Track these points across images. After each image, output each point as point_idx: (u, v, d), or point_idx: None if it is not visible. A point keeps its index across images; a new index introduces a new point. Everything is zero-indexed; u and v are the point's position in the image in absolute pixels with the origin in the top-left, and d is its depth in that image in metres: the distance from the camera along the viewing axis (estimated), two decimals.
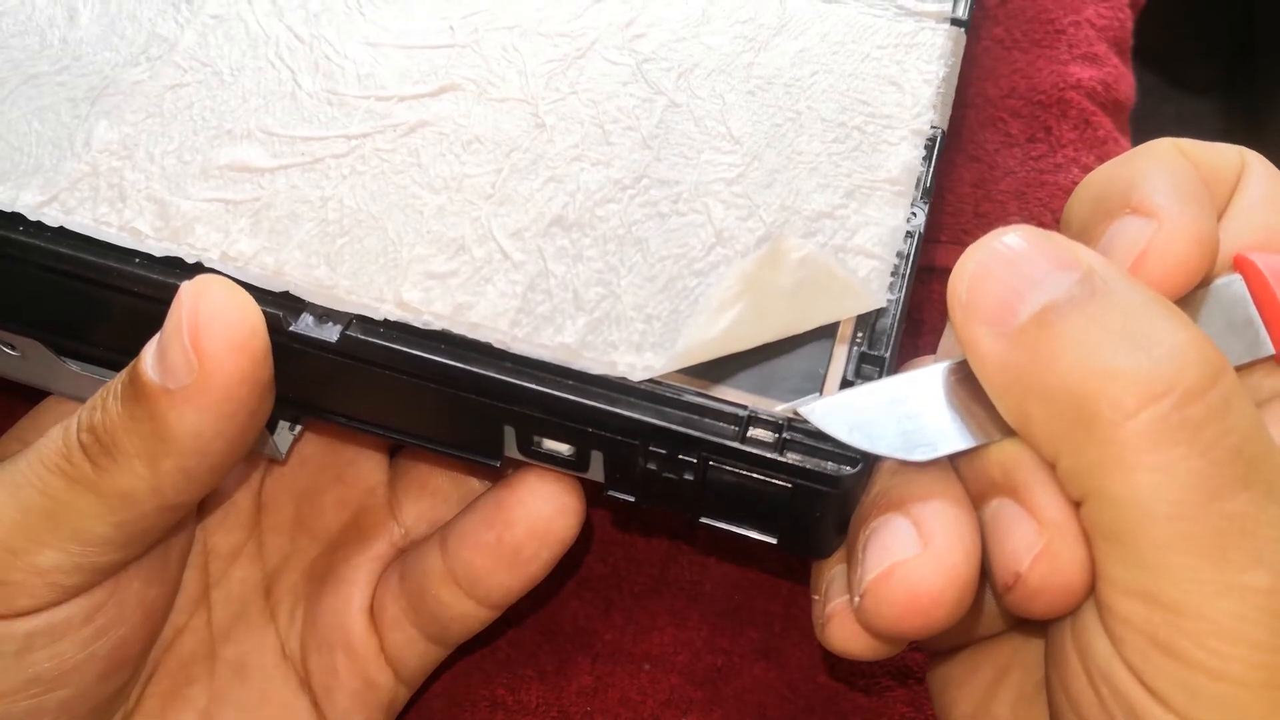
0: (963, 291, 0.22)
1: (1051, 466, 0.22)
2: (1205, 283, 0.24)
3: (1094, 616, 0.22)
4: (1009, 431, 0.22)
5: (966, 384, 0.23)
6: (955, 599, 0.22)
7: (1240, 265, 0.24)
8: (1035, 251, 0.22)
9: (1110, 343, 0.20)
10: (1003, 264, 0.22)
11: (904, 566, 0.22)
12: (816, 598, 0.25)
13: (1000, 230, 0.22)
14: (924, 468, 0.24)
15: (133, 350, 0.24)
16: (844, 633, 0.24)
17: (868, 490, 0.24)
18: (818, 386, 0.24)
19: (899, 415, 0.23)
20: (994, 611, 0.26)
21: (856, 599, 0.23)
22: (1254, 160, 0.25)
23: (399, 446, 0.33)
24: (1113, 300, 0.21)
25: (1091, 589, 0.22)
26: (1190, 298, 0.23)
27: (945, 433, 0.23)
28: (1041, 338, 0.21)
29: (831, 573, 0.25)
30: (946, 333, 0.26)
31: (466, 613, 0.29)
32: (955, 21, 0.31)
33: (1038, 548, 0.22)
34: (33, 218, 0.26)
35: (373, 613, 0.31)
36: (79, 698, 0.27)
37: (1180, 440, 0.20)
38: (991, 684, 0.27)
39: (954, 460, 0.24)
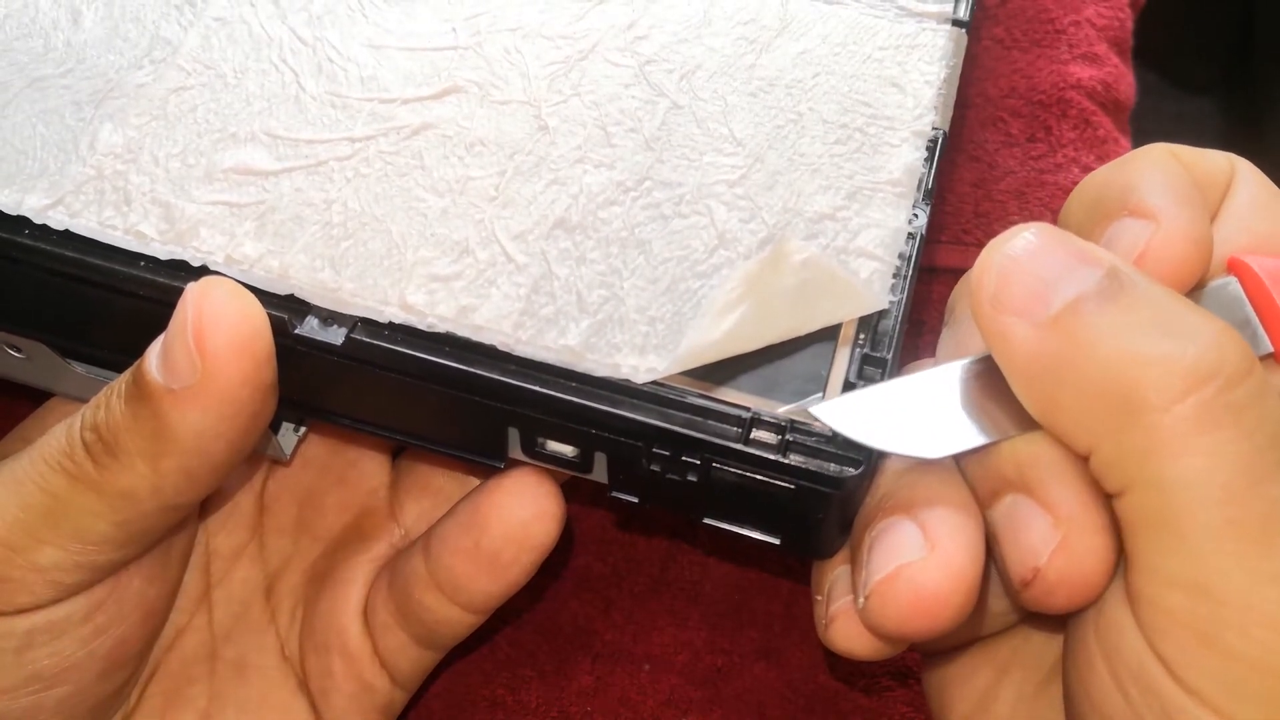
0: (991, 283, 0.22)
1: (1083, 458, 0.22)
2: (1199, 285, 0.24)
3: (1123, 615, 0.21)
4: (1023, 428, 0.22)
5: (979, 381, 0.23)
6: (961, 601, 0.22)
7: (1235, 268, 0.24)
8: (1060, 247, 0.22)
9: (1147, 332, 0.20)
10: (1032, 257, 0.22)
11: (910, 569, 0.22)
12: (819, 598, 0.26)
13: (1021, 227, 0.22)
14: (929, 471, 0.24)
15: (137, 353, 0.24)
16: (847, 633, 0.24)
17: (872, 492, 0.24)
18: (820, 388, 0.24)
19: (910, 414, 0.23)
20: (995, 611, 0.26)
21: (861, 600, 0.23)
22: (1243, 167, 0.26)
23: (402, 448, 0.33)
24: (1140, 294, 0.21)
25: (1109, 581, 0.22)
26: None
27: (957, 430, 0.23)
28: (1077, 327, 0.21)
29: (834, 573, 0.25)
30: (944, 336, 0.26)
31: (451, 618, 0.29)
32: (956, 22, 0.31)
33: (1055, 542, 0.22)
34: (38, 221, 0.26)
35: (366, 616, 0.31)
36: (78, 695, 0.27)
37: (1226, 424, 0.20)
38: (991, 684, 0.27)
39: (961, 460, 0.24)
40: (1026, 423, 0.22)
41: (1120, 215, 0.24)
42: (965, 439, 0.23)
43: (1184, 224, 0.23)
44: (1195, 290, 0.24)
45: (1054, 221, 0.25)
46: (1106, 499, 0.22)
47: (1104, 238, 0.24)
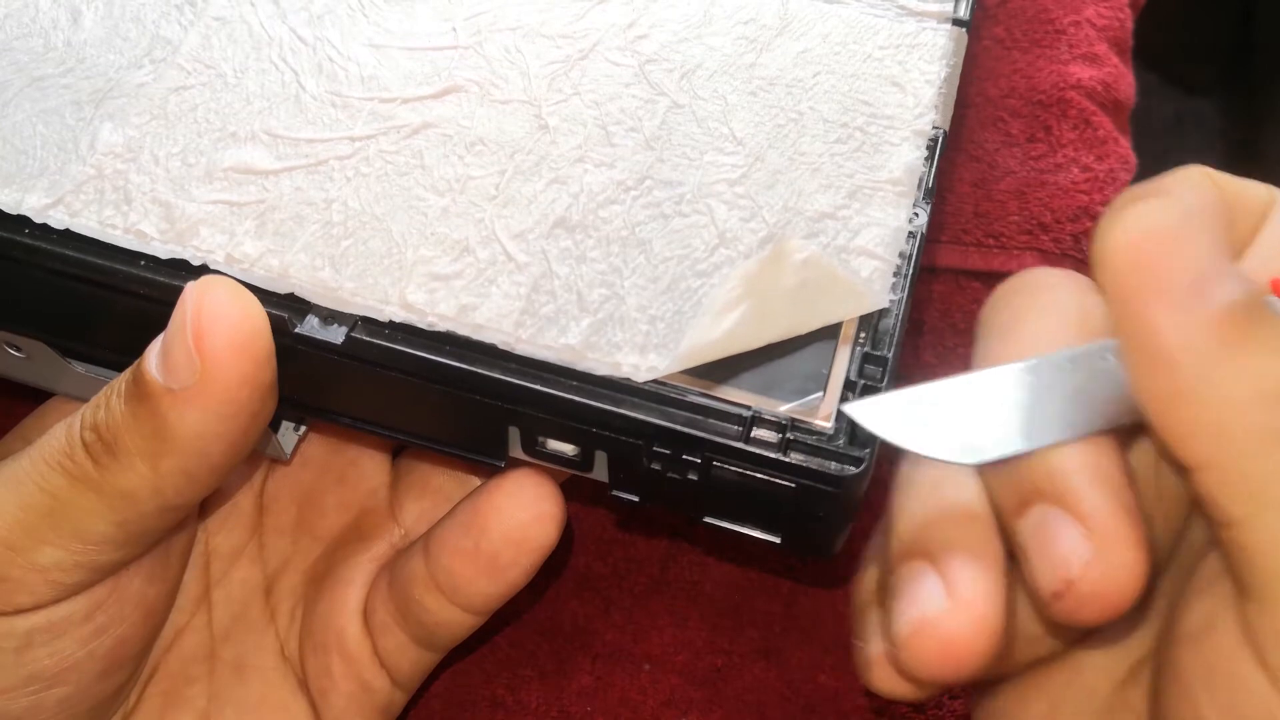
0: (1140, 261, 0.20)
1: (1186, 469, 0.20)
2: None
3: (1243, 665, 0.20)
4: (1061, 438, 0.22)
5: (1019, 390, 0.23)
6: (986, 646, 0.21)
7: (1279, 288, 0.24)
8: (1207, 237, 0.20)
9: None
10: (1184, 242, 0.20)
11: (933, 621, 0.21)
12: (859, 643, 0.25)
13: (1154, 202, 0.20)
14: (948, 510, 0.23)
15: (137, 352, 0.24)
16: (886, 677, 0.24)
17: (893, 528, 0.24)
18: (821, 387, 0.24)
19: (943, 418, 0.23)
20: (1034, 635, 0.25)
21: (891, 648, 0.23)
22: None
23: (402, 447, 0.33)
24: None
25: (1142, 593, 0.21)
26: None
27: (991, 438, 0.22)
28: (1239, 337, 0.19)
29: (872, 615, 0.25)
30: (980, 348, 0.26)
31: (451, 619, 0.29)
32: (957, 22, 0.31)
33: (1089, 553, 0.21)
34: (39, 220, 0.26)
35: (366, 616, 0.31)
36: (78, 695, 0.27)
37: None
38: (1046, 717, 0.26)
39: (985, 472, 0.24)
40: (1068, 432, 0.22)
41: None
42: (999, 447, 0.22)
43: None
44: None
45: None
46: (1140, 512, 0.21)
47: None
